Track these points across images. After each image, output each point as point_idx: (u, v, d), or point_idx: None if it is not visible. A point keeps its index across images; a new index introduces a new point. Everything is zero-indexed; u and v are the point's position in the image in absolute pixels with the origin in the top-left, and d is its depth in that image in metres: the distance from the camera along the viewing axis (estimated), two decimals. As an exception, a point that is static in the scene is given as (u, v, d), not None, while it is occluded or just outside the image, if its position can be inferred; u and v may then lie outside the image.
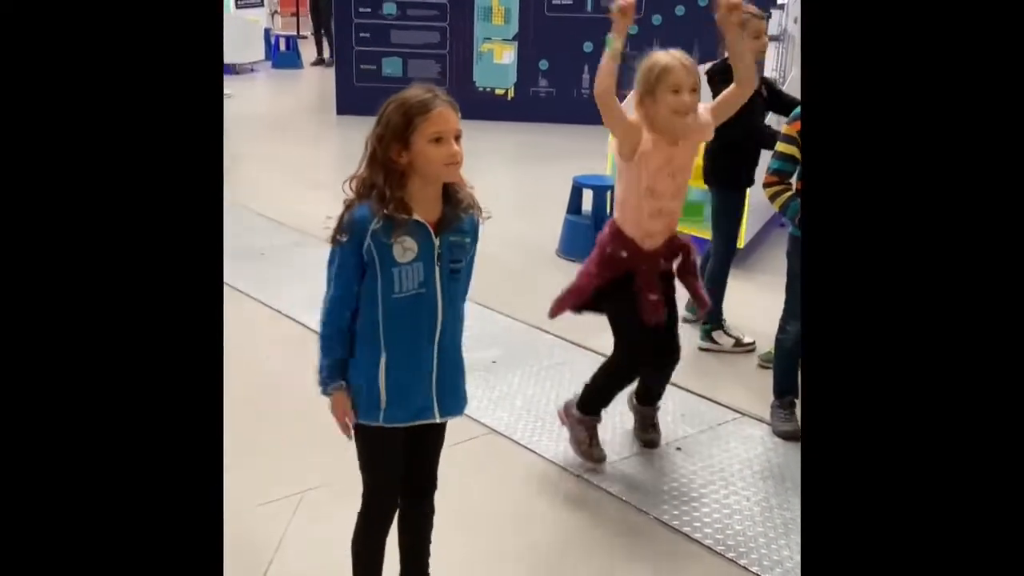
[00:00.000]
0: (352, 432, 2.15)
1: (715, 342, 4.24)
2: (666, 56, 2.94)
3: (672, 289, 3.15)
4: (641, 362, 3.18)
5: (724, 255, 4.21)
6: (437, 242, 2.04)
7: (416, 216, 2.02)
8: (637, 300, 3.01)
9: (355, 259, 2.03)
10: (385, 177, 2.00)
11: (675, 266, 3.14)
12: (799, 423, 3.45)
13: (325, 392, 2.12)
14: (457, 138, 2.01)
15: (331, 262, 2.08)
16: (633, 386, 3.35)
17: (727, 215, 4.19)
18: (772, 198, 3.37)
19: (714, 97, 3.20)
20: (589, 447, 3.22)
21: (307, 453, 3.16)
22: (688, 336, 3.59)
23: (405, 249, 2.01)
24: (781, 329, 3.54)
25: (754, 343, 4.23)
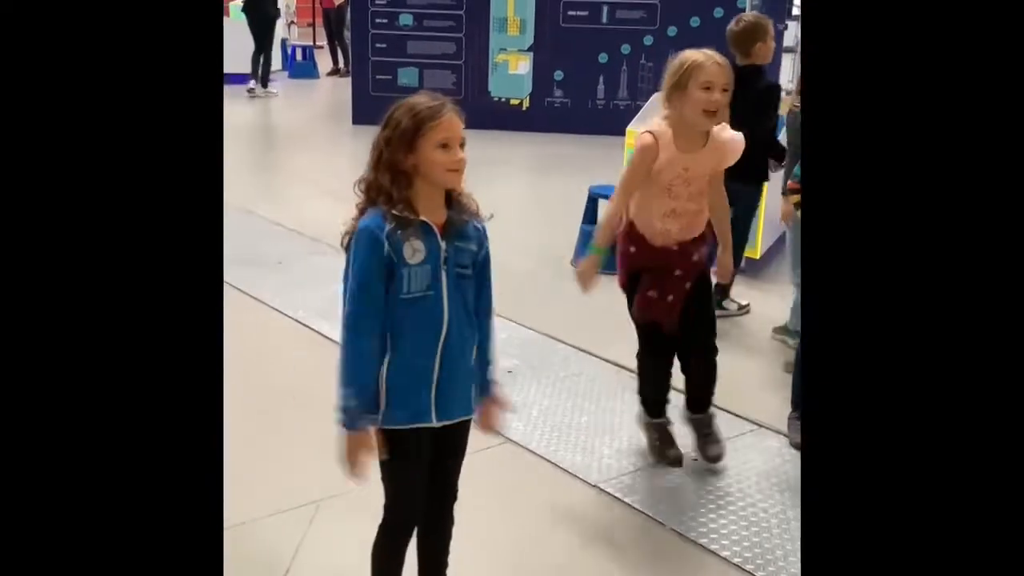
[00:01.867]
0: (360, 476, 2.07)
1: (725, 309, 4.57)
2: (699, 53, 2.93)
3: (687, 291, 3.14)
4: (655, 344, 3.22)
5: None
6: (443, 245, 2.04)
7: (423, 217, 2.03)
8: (637, 293, 3.10)
9: (380, 269, 2.00)
10: (392, 179, 2.01)
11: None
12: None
13: (350, 429, 2.03)
14: (462, 145, 2.03)
15: (348, 277, 2.04)
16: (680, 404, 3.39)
17: (747, 213, 4.41)
18: (797, 205, 3.45)
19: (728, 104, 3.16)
20: (660, 446, 3.29)
21: (324, 462, 3.15)
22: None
23: (414, 250, 2.01)
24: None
25: (748, 304, 4.69)
